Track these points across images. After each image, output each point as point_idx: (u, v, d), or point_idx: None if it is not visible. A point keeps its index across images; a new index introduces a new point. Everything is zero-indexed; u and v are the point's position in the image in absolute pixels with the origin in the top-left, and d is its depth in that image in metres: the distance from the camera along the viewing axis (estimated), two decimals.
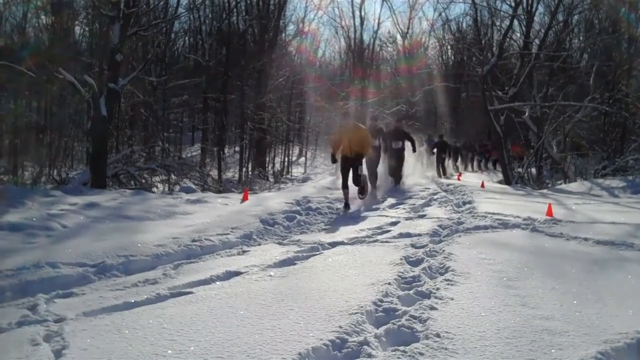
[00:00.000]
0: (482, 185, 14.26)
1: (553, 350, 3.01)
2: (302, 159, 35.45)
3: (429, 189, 13.62)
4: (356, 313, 3.58)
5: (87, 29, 21.70)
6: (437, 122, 38.89)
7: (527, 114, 20.63)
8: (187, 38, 30.00)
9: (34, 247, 6.01)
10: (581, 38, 27.01)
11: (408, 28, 39.36)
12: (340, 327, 3.32)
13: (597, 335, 3.21)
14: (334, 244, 6.24)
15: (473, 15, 26.12)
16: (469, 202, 9.54)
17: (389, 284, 4.28)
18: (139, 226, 7.41)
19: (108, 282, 4.92)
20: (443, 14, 41.27)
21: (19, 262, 5.12)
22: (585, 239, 6.02)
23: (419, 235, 6.54)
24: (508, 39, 23.97)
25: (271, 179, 23.61)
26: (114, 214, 8.49)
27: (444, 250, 5.53)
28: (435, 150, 21.99)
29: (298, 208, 9.37)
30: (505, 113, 19.96)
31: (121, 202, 9.62)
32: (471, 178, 20.32)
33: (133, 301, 4.09)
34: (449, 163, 23.99)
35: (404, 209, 9.73)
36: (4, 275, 4.77)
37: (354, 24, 35.59)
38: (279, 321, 3.48)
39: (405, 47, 39.61)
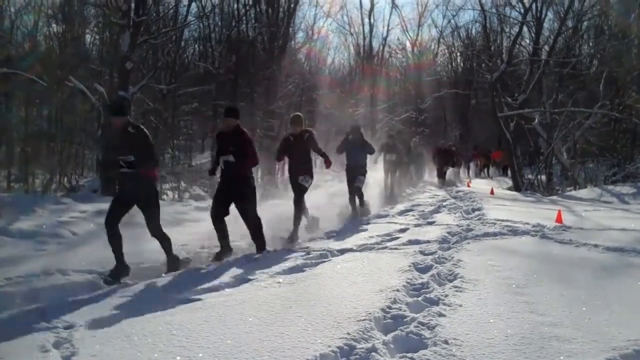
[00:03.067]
0: (492, 192, 14.22)
1: (562, 357, 2.99)
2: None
3: (438, 195, 13.60)
4: (364, 320, 3.57)
5: (97, 37, 21.84)
6: (446, 129, 38.83)
7: (536, 121, 20.56)
8: (196, 46, 30.02)
9: (44, 254, 6.07)
10: (591, 44, 26.88)
11: (417, 35, 39.42)
12: (349, 334, 3.32)
13: (605, 342, 3.19)
14: (342, 251, 6.23)
15: (482, 22, 26.16)
16: (478, 209, 9.53)
17: (398, 290, 4.27)
18: (148, 233, 7.44)
19: (117, 289, 4.95)
20: (452, 21, 41.35)
21: (29, 269, 5.17)
22: (595, 246, 5.99)
23: (428, 242, 6.52)
24: (517, 46, 23.95)
25: (280, 186, 23.62)
26: (123, 221, 8.53)
27: (452, 257, 5.51)
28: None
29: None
30: (515, 120, 19.91)
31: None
32: (480, 185, 20.25)
33: (142, 308, 4.11)
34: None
35: (413, 215, 9.72)
36: (15, 282, 4.82)
37: (363, 31, 35.54)
38: (287, 328, 3.48)
39: (414, 54, 39.65)
